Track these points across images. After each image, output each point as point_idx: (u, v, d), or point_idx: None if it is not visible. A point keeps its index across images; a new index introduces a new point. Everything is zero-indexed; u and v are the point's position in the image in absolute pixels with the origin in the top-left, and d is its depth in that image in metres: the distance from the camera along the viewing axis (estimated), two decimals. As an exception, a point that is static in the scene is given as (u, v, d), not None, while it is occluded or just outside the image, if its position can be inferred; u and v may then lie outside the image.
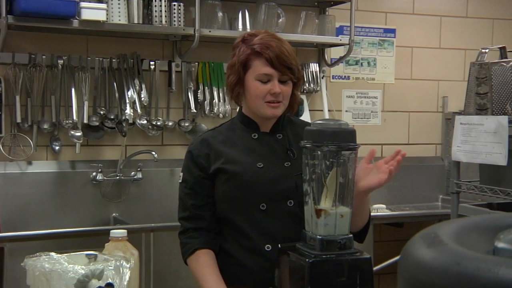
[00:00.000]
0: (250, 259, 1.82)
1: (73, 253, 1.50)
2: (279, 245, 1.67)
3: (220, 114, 3.49)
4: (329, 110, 3.83)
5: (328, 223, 1.57)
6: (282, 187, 1.81)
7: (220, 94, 3.51)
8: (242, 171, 1.82)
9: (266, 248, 1.80)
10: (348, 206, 1.60)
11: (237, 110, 2.01)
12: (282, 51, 1.81)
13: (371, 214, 3.55)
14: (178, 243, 1.93)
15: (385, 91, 4.07)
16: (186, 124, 3.50)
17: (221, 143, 1.88)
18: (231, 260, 1.85)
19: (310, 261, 1.52)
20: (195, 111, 3.47)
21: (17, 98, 3.10)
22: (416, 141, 4.14)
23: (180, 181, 1.91)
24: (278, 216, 1.81)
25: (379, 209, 3.65)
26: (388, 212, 3.70)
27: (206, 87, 3.51)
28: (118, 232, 1.59)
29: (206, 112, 3.49)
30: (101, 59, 3.30)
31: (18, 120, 3.12)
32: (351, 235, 1.60)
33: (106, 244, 1.60)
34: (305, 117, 3.63)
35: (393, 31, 4.08)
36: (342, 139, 1.55)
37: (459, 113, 3.25)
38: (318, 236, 1.56)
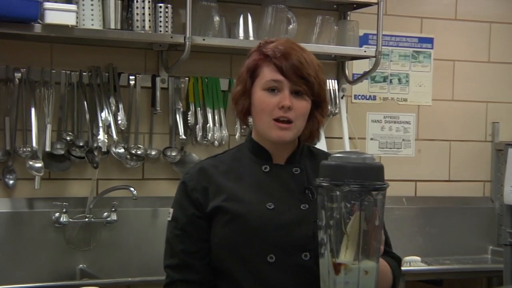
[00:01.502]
0: None
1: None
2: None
3: (216, 142, 3.52)
4: (350, 138, 3.85)
5: (349, 281, 1.57)
6: (296, 235, 1.81)
7: (216, 117, 3.54)
8: (247, 212, 1.82)
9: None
10: (374, 260, 1.60)
11: (247, 135, 2.02)
12: (299, 58, 1.81)
13: (403, 268, 3.55)
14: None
15: (420, 114, 4.10)
16: (173, 154, 3.53)
17: (223, 175, 1.88)
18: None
19: (327, 328, 1.53)
20: (184, 137, 3.50)
21: (-36, 119, 3.14)
22: (459, 177, 4.15)
23: (169, 219, 1.91)
24: (290, 271, 1.80)
25: (413, 263, 3.65)
26: (424, 267, 3.69)
27: (199, 108, 3.54)
28: (88, 289, 1.60)
29: (198, 138, 3.52)
30: (68, 72, 3.34)
31: (-36, 147, 3.15)
32: (377, 295, 1.60)
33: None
34: (321, 146, 3.64)
35: (430, 40, 4.12)
36: (366, 176, 1.56)
37: (513, 144, 3.27)
38: None
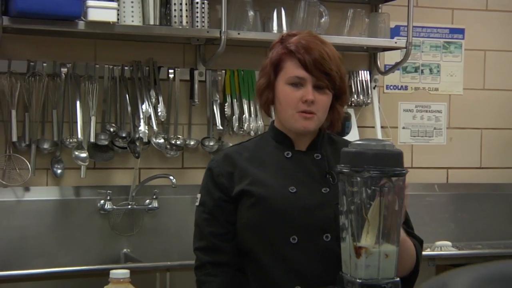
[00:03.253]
0: None
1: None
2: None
3: (251, 132, 3.51)
4: (382, 127, 3.81)
5: (370, 264, 1.57)
6: (318, 217, 1.83)
7: (251, 108, 3.53)
8: (270, 195, 1.84)
9: (295, 289, 1.80)
10: (395, 243, 1.60)
11: (269, 123, 2.03)
12: (322, 54, 1.83)
13: (434, 252, 3.49)
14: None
15: (452, 103, 4.03)
16: (211, 144, 3.54)
17: (247, 161, 1.91)
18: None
19: (348, 310, 1.52)
20: (221, 128, 3.50)
21: (13, 112, 3.18)
22: (490, 164, 4.08)
23: (197, 204, 1.95)
24: (312, 252, 1.82)
25: (444, 247, 3.60)
26: (455, 251, 3.64)
27: (235, 100, 3.54)
28: (119, 273, 1.61)
29: (235, 129, 3.52)
30: (111, 67, 3.37)
31: (14, 138, 3.20)
32: (398, 279, 1.60)
33: (105, 286, 1.63)
34: (353, 134, 3.62)
35: (461, 31, 4.05)
36: (386, 163, 1.55)
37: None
38: (357, 280, 1.57)
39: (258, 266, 1.85)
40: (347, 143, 2.00)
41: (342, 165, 1.59)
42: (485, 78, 4.09)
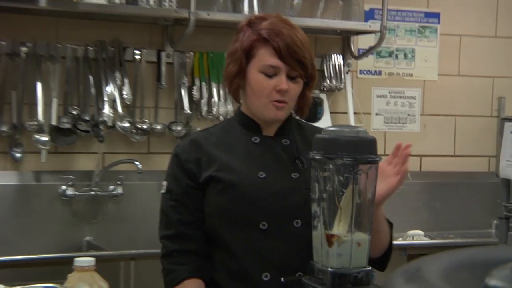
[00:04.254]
0: None
1: (29, 286, 1.53)
2: (282, 278, 1.70)
3: (221, 116, 3.52)
4: (355, 113, 3.85)
5: (342, 252, 1.60)
6: (288, 202, 1.86)
7: (221, 92, 3.55)
8: (239, 181, 1.87)
9: (263, 277, 1.84)
10: (367, 232, 1.63)
11: (236, 109, 2.05)
12: (294, 40, 1.86)
13: (406, 242, 3.55)
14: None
15: (426, 89, 4.09)
16: (178, 128, 3.54)
17: (214, 146, 1.94)
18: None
19: (319, 299, 1.55)
20: (189, 112, 3.51)
21: (-29, 93, 3.16)
22: (464, 152, 4.15)
23: (163, 191, 1.97)
24: (281, 238, 1.85)
25: (416, 236, 3.67)
26: (427, 240, 3.71)
27: (204, 83, 3.54)
28: (84, 261, 1.62)
29: (203, 113, 3.53)
30: (74, 46, 3.35)
31: (-29, 120, 3.17)
32: (369, 268, 1.63)
33: (69, 274, 1.64)
34: (325, 120, 3.65)
35: (437, 15, 4.09)
36: (360, 150, 1.58)
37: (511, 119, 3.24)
38: (329, 269, 1.59)
39: (227, 253, 1.88)
40: (315, 129, 2.05)
41: (315, 152, 1.61)
42: (460, 64, 4.15)
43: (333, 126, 1.66)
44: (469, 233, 3.97)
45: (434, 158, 4.06)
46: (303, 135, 1.97)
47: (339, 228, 1.60)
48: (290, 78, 1.88)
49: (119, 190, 3.43)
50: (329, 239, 1.60)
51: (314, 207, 1.65)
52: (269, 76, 1.87)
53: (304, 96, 1.95)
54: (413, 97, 4.05)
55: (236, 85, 1.94)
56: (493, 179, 4.15)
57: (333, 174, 1.58)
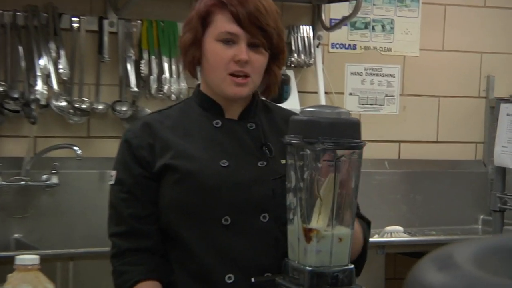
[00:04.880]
0: None
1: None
2: (252, 279, 1.74)
3: (173, 95, 3.55)
4: (326, 93, 3.90)
5: (321, 249, 1.64)
6: (254, 194, 1.89)
7: (173, 67, 3.57)
8: (198, 170, 1.90)
9: (227, 279, 1.87)
10: (349, 226, 1.68)
11: (195, 87, 2.07)
12: (257, 6, 1.89)
13: (383, 239, 3.62)
14: (108, 276, 1.98)
15: (406, 66, 4.16)
16: (124, 108, 3.55)
17: (170, 131, 1.96)
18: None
19: (296, 301, 1.60)
20: (136, 89, 3.52)
21: None
22: (448, 138, 4.24)
23: (112, 182, 1.98)
24: (247, 234, 1.89)
25: (394, 233, 3.73)
26: (407, 238, 3.78)
27: (153, 56, 3.55)
28: (27, 259, 1.63)
29: (153, 91, 3.55)
30: (0, 12, 3.32)
31: None
32: (352, 266, 1.68)
33: (9, 275, 1.65)
34: (293, 101, 3.70)
35: (418, -19, 4.16)
36: (342, 133, 1.62)
37: (508, 100, 3.32)
38: (307, 268, 1.64)
39: (185, 251, 1.91)
40: (284, 111, 2.08)
41: (291, 136, 1.65)
42: (444, 37, 4.22)
43: (312, 106, 1.70)
44: (453, 230, 4.04)
45: (415, 145, 4.13)
46: (270, 119, 2.00)
47: (319, 222, 1.64)
48: (252, 48, 1.90)
49: (54, 180, 3.43)
50: (307, 234, 1.63)
51: (290, 198, 1.69)
52: (227, 45, 1.90)
53: (271, 72, 1.98)
54: (391, 75, 4.11)
55: (191, 56, 1.95)
56: (480, 169, 4.26)
57: (311, 161, 1.62)
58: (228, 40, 1.89)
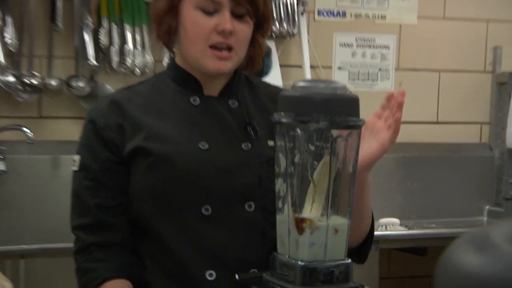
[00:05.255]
0: None
1: None
2: (237, 276, 1.76)
3: (137, 69, 3.55)
4: (311, 67, 3.90)
5: (315, 241, 1.65)
6: (238, 181, 1.91)
7: (137, 37, 3.56)
8: (174, 153, 1.91)
9: (207, 277, 1.89)
10: (346, 216, 1.69)
11: (168, 60, 2.08)
12: None
13: (377, 232, 3.66)
14: (64, 275, 1.99)
15: (402, 37, 4.18)
16: (81, 84, 3.55)
17: (141, 109, 1.96)
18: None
19: (286, 301, 1.62)
20: (95, 63, 3.52)
21: None
22: (450, 118, 4.28)
23: (75, 168, 1.98)
24: (230, 226, 1.91)
25: (390, 226, 3.76)
26: (403, 231, 3.81)
27: (114, 25, 3.55)
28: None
29: (114, 65, 3.54)
30: None
31: None
32: (349, 261, 1.70)
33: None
34: (274, 76, 3.70)
35: None
36: (338, 111, 1.63)
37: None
38: (299, 263, 1.65)
39: (159, 246, 1.92)
40: (269, 87, 2.10)
41: (282, 114, 1.65)
42: (446, 3, 4.24)
43: (303, 81, 1.71)
44: (455, 222, 4.06)
45: (412, 126, 4.15)
46: (255, 95, 2.02)
47: (312, 211, 1.65)
48: (236, 17, 1.91)
49: (1, 167, 3.42)
50: (299, 224, 1.64)
51: (279, 185, 1.70)
52: (208, 13, 1.90)
53: (255, 42, 1.99)
54: (386, 47, 4.13)
55: (166, 26, 1.96)
56: (485, 153, 4.29)
57: (304, 142, 1.62)
58: (210, 8, 1.90)
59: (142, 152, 1.92)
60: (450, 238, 3.15)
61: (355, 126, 1.66)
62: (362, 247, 2.00)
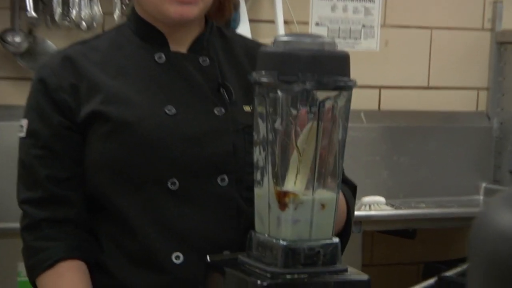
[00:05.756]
0: (145, 279, 1.93)
1: None
2: (208, 257, 1.79)
3: (83, 23, 3.54)
4: (285, 22, 3.90)
5: (299, 218, 1.68)
6: (209, 151, 1.93)
7: (84, -16, 3.57)
8: (137, 119, 1.92)
9: (174, 259, 1.92)
10: (334, 190, 1.72)
11: (128, 10, 2.09)
12: None
13: (359, 213, 3.69)
14: (5, 258, 2.01)
15: (389, -12, 4.20)
16: (17, 40, 3.54)
17: (99, 68, 1.98)
18: (110, 282, 1.96)
19: (266, 284, 1.64)
20: (34, 15, 3.50)
21: None
22: (443, 83, 4.32)
23: (22, 134, 1.99)
24: (200, 202, 1.93)
25: (374, 205, 3.79)
26: (389, 211, 3.85)
27: (56, -30, 3.55)
28: None
29: (56, 18, 3.53)
30: None
31: None
32: (337, 240, 1.73)
33: None
34: (243, 32, 3.70)
35: None
36: (326, 69, 1.66)
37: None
38: (280, 242, 1.67)
39: (119, 225, 1.95)
40: (246, 41, 2.12)
41: (262, 73, 1.67)
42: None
43: (286, 35, 1.73)
44: (448, 202, 4.10)
45: (399, 91, 4.19)
46: (229, 51, 2.04)
47: (296, 183, 1.67)
48: None
49: None
50: (281, 199, 1.66)
51: (257, 154, 1.72)
52: None
53: None
54: (370, 0, 4.15)
55: None
56: (483, 123, 4.34)
57: (285, 105, 1.64)
58: None
59: (99, 117, 1.93)
60: (442, 220, 3.22)
61: (345, 87, 1.69)
62: (341, 235, 1.98)
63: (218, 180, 1.93)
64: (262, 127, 1.71)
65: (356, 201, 3.72)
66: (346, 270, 1.73)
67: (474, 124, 4.33)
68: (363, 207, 3.72)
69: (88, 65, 1.97)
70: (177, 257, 1.91)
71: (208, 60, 2.00)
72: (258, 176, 1.74)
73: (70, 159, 1.96)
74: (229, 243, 1.90)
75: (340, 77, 1.69)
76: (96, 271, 1.98)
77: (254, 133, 1.74)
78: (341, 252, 1.98)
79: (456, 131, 4.28)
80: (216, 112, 1.95)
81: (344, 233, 2.05)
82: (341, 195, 1.93)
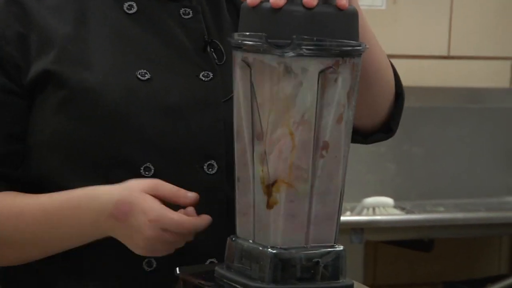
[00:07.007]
0: None
1: None
2: (177, 269, 1.81)
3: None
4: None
5: (293, 217, 1.71)
6: (193, 128, 1.95)
7: None
8: (100, 85, 1.92)
9: (145, 266, 1.95)
10: (338, 177, 1.78)
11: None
12: None
13: (361, 218, 3.70)
14: None
15: None
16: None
17: (53, 14, 1.97)
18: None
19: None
20: None
21: None
22: (467, 51, 4.39)
23: None
24: None
25: (380, 208, 3.81)
26: (399, 216, 3.91)
27: None
28: None
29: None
30: None
31: None
32: (341, 248, 1.75)
33: None
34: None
35: None
36: (330, 31, 1.67)
37: None
38: (269, 250, 1.69)
39: None
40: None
41: (245, 34, 1.69)
42: None
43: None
44: (473, 205, 4.17)
45: (412, 61, 4.23)
46: (215, 1, 2.06)
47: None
48: None
49: None
50: (269, 190, 1.68)
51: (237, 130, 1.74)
52: None
53: None
54: None
55: None
56: (513, 102, 4.38)
57: (282, 74, 1.65)
58: None
59: (52, 80, 1.92)
60: (465, 227, 3.26)
61: (352, 53, 1.69)
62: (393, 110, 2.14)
63: (205, 167, 1.95)
64: (245, 103, 1.71)
65: (356, 204, 3.79)
66: (351, 287, 1.75)
67: (505, 104, 4.36)
68: (365, 210, 3.73)
69: (40, 10, 1.96)
70: (149, 264, 1.94)
71: (191, 11, 2.02)
72: (239, 162, 1.75)
73: (8, 133, 1.96)
74: (216, 246, 1.90)
75: (346, 40, 1.68)
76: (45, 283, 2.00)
77: (234, 107, 1.74)
78: (398, 120, 2.06)
79: (482, 112, 4.32)
80: (202, 77, 1.97)
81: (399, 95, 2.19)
82: (380, 49, 2.05)
